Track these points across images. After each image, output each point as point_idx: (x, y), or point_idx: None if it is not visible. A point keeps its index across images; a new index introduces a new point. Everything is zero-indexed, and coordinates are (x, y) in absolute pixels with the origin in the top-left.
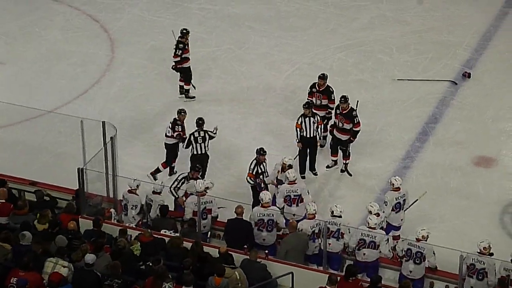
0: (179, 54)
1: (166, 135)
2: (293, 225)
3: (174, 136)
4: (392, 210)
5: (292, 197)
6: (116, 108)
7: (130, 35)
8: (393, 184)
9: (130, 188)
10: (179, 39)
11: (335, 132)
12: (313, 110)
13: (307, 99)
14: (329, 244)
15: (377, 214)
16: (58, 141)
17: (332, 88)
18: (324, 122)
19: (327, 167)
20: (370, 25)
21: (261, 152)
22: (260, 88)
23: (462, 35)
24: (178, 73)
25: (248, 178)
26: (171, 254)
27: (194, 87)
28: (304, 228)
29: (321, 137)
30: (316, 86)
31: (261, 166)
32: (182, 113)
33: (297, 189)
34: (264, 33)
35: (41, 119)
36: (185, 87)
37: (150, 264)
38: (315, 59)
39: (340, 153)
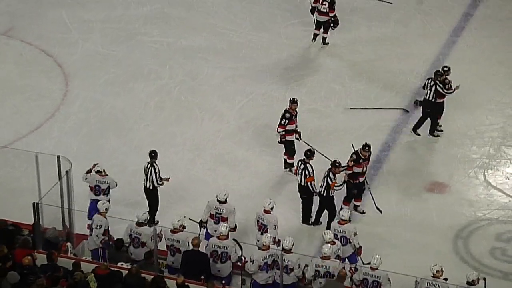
0: (334, 8)
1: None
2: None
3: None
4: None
5: (259, 224)
6: (72, 142)
7: (84, 69)
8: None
9: (99, 211)
10: None
11: (352, 179)
12: None
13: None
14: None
15: (332, 242)
16: (13, 176)
17: None
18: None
19: (362, 212)
20: (322, 54)
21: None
22: (214, 119)
23: (413, 63)
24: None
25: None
26: (128, 286)
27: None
28: (255, 258)
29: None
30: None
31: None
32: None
33: (264, 220)
34: (217, 65)
35: None
36: (324, 35)
37: None
38: (268, 89)
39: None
